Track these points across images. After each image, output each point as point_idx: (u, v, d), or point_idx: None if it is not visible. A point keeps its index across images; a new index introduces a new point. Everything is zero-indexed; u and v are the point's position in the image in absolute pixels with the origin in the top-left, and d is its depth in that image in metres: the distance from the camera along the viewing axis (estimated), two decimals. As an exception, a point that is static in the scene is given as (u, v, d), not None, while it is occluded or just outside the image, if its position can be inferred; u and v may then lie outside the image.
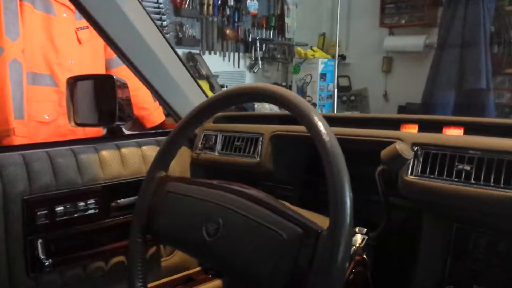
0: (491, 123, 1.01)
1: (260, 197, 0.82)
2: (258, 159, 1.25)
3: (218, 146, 1.37)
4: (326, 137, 0.70)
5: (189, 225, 0.86)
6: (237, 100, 0.91)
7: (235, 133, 1.35)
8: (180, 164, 1.40)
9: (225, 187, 0.87)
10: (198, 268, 1.43)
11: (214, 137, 1.39)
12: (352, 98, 5.27)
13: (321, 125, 0.71)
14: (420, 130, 1.09)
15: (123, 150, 1.29)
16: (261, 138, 1.26)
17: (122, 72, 1.70)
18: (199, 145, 1.43)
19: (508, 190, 0.83)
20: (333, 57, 4.85)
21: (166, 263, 1.37)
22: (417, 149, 0.96)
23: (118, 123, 1.30)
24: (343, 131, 1.10)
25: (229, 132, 1.37)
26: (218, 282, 1.37)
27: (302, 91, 4.92)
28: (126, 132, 1.44)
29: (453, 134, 1.03)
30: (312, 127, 0.72)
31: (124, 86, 1.31)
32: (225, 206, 0.82)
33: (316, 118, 0.73)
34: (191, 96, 1.43)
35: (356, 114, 4.05)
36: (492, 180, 0.85)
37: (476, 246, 0.95)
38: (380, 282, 0.98)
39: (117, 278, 1.25)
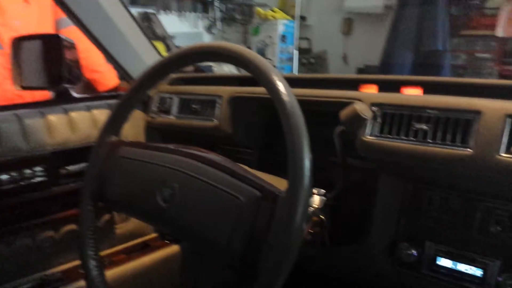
0: (449, 83, 1.02)
1: (217, 160, 0.80)
2: (216, 122, 1.22)
3: (174, 109, 1.33)
4: (285, 98, 0.68)
5: (143, 191, 0.84)
6: (192, 60, 0.86)
7: (192, 96, 1.31)
8: (134, 128, 1.36)
9: (180, 151, 0.84)
10: (154, 234, 1.41)
11: (169, 99, 1.35)
12: (312, 60, 5.26)
13: (281, 85, 0.69)
14: (379, 90, 1.09)
15: (72, 114, 1.23)
16: (219, 101, 1.23)
17: (72, 33, 1.61)
18: (154, 108, 1.38)
19: (464, 149, 0.84)
20: (294, 18, 4.78)
21: (121, 230, 1.34)
22: (375, 109, 0.96)
23: (66, 85, 1.23)
24: (302, 92, 1.08)
25: (185, 95, 1.32)
26: (175, 247, 1.35)
27: (262, 53, 4.86)
28: (76, 95, 1.37)
29: (412, 93, 1.03)
30: (271, 87, 0.70)
31: (72, 46, 1.24)
32: (181, 171, 0.80)
33: (275, 78, 0.70)
34: (144, 57, 1.37)
35: (316, 74, 4.04)
36: (448, 139, 0.86)
37: (430, 204, 0.97)
38: (337, 241, 0.99)
39: (69, 247, 1.21)
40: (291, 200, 0.65)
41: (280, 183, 0.72)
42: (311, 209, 0.90)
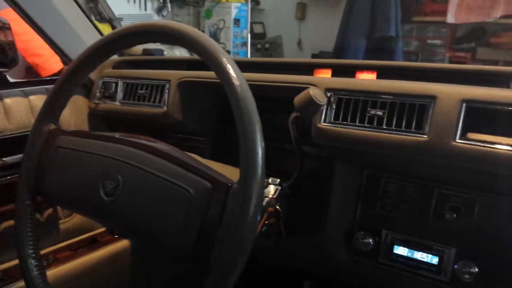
0: (403, 67, 1.00)
1: (165, 150, 0.76)
2: (164, 108, 1.16)
3: (119, 95, 1.25)
4: (236, 82, 0.64)
5: (84, 184, 0.78)
6: (134, 40, 0.80)
7: (138, 80, 1.23)
8: (76, 116, 1.27)
9: (125, 140, 0.79)
10: (102, 229, 1.33)
11: (114, 84, 1.27)
12: (267, 46, 5.23)
13: (230, 68, 0.65)
14: (333, 75, 1.06)
15: (7, 100, 1.13)
16: (167, 85, 1.17)
17: (9, 15, 1.49)
18: (97, 94, 1.30)
19: (419, 135, 0.82)
20: (247, 1, 4.71)
21: (66, 225, 1.26)
22: (330, 94, 0.93)
23: (-1, 69, 1.13)
24: (254, 76, 1.04)
25: (131, 79, 1.25)
26: (125, 242, 1.28)
27: (215, 38, 4.76)
28: (12, 80, 1.26)
29: (366, 78, 1.01)
30: (220, 70, 0.66)
31: (6, 27, 1.16)
32: (125, 162, 0.75)
33: (225, 61, 0.66)
34: (85, 39, 1.28)
35: (268, 58, 4.01)
36: (403, 125, 0.85)
37: (386, 192, 0.96)
38: (294, 231, 0.97)
39: (8, 245, 1.12)
40: (243, 192, 0.62)
41: (234, 173, 0.69)
42: (266, 199, 0.86)
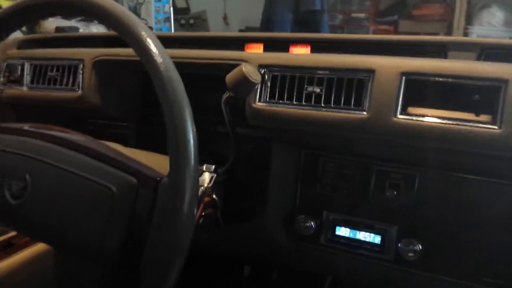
0: (338, 40, 0.96)
1: (79, 141, 0.68)
2: (79, 92, 1.04)
3: (27, 78, 1.11)
4: (158, 59, 0.57)
5: None
6: (34, 14, 0.68)
7: (47, 61, 1.10)
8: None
9: (32, 133, 0.69)
10: (17, 231, 1.20)
11: (20, 66, 1.13)
12: (191, 21, 5.07)
13: (151, 44, 0.57)
14: (265, 50, 1.00)
15: None
16: (81, 66, 1.05)
17: None
18: (1, 79, 1.15)
19: (358, 112, 0.79)
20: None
21: (-27, 229, 1.11)
22: (264, 71, 0.87)
23: None
24: (180, 53, 0.95)
25: (39, 60, 1.11)
26: (44, 244, 1.16)
27: (135, 13, 4.51)
28: None
29: (300, 52, 0.96)
30: (139, 46, 0.58)
31: None
32: (34, 158, 0.65)
33: (144, 35, 0.58)
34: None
35: (195, 33, 3.88)
36: (342, 102, 0.81)
37: (325, 172, 0.93)
38: (232, 219, 0.92)
39: None
40: (175, 186, 0.55)
41: (164, 163, 0.62)
42: (201, 188, 0.81)
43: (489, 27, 3.29)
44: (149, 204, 0.59)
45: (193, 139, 0.55)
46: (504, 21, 3.27)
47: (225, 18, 5.03)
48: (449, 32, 3.59)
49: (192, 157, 0.55)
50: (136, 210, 0.59)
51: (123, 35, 0.59)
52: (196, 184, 0.56)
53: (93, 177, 0.61)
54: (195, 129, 0.56)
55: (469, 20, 3.48)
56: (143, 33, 0.58)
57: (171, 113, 0.55)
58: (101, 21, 0.63)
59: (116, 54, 1.02)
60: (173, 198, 0.55)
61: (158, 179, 0.60)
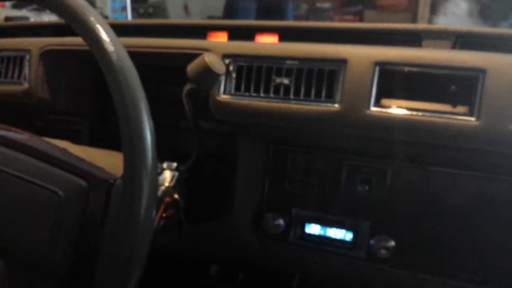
0: (307, 27, 0.91)
1: (23, 140, 0.63)
2: (26, 85, 0.97)
3: None
4: (109, 47, 0.52)
5: None
6: None
7: None
8: None
9: None
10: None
11: None
12: (150, 10, 4.95)
13: (101, 30, 0.52)
14: (230, 38, 0.95)
15: None
16: (27, 57, 0.98)
17: None
18: None
19: (330, 104, 0.75)
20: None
21: None
22: (229, 61, 0.82)
23: None
24: (136, 42, 0.89)
25: None
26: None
27: (91, 2, 4.34)
28: None
29: (267, 42, 0.91)
30: (88, 33, 0.52)
31: None
32: None
33: (93, 20, 0.52)
34: None
35: (152, 20, 3.77)
36: (313, 94, 0.76)
37: (293, 167, 0.89)
38: (196, 219, 0.87)
39: None
40: (130, 189, 0.50)
41: (118, 162, 0.57)
42: (162, 188, 0.76)
43: (453, 17, 3.35)
44: (101, 209, 0.55)
45: (150, 133, 0.50)
46: (468, 11, 3.34)
47: (185, 8, 4.93)
48: (413, 22, 3.63)
49: (149, 154, 0.50)
50: (86, 217, 0.55)
51: (70, 21, 0.54)
52: (154, 184, 0.52)
53: (37, 181, 0.56)
54: (152, 123, 0.51)
55: (434, 10, 3.53)
56: (92, 19, 0.52)
57: (124, 107, 0.50)
58: (46, 7, 0.56)
59: (66, 44, 0.96)
60: (128, 202, 0.50)
61: (112, 181, 0.56)
